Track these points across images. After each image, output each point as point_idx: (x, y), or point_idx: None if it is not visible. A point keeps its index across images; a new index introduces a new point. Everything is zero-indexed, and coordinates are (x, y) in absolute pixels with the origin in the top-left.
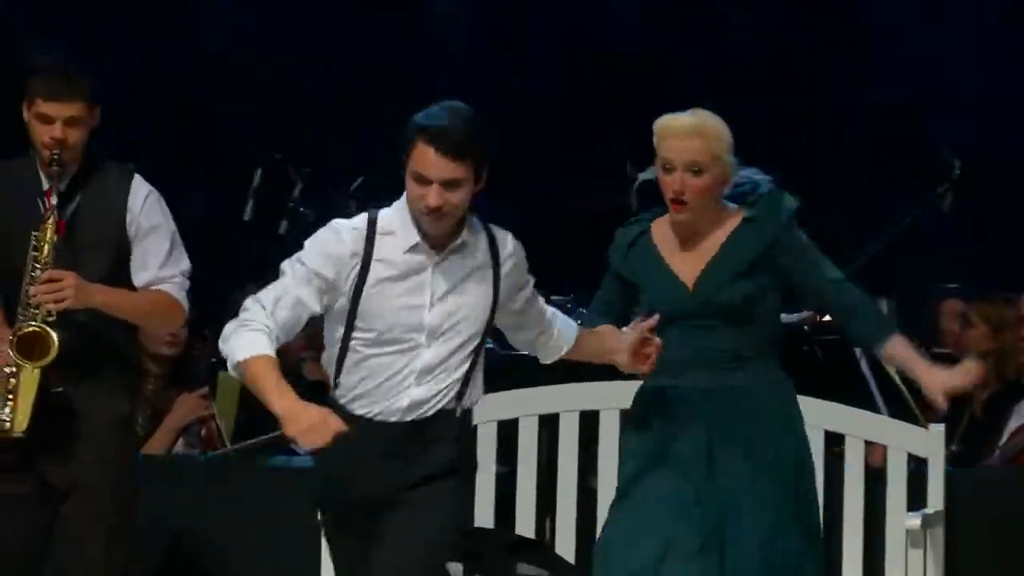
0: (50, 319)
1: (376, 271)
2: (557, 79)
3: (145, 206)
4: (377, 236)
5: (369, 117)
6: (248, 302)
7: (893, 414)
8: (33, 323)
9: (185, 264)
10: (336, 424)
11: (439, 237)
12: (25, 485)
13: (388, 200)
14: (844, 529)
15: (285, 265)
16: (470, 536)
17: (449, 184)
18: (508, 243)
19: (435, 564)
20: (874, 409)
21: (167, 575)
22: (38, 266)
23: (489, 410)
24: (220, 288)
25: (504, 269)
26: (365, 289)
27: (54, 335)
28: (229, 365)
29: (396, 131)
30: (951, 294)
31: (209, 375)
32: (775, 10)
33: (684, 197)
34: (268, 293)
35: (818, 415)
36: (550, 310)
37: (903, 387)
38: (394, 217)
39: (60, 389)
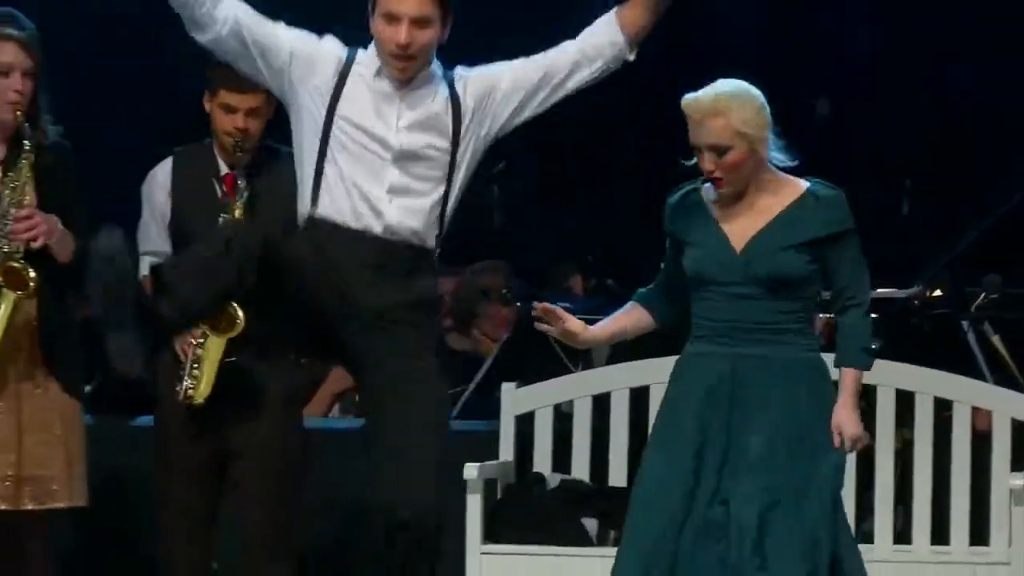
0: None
1: (352, 83)
2: None
3: None
4: (356, 59)
5: None
6: None
7: (998, 382)
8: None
9: None
10: None
11: (404, 82)
12: (204, 450)
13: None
14: (952, 490)
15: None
16: (605, 496)
17: (419, 21)
18: (462, 78)
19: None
20: (980, 377)
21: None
22: None
23: (623, 376)
24: None
25: (464, 108)
26: (342, 94)
27: (239, 310)
28: None
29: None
30: None
31: None
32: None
33: (717, 175)
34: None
35: (927, 383)
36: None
37: (1007, 357)
38: (367, 54)
39: (234, 359)
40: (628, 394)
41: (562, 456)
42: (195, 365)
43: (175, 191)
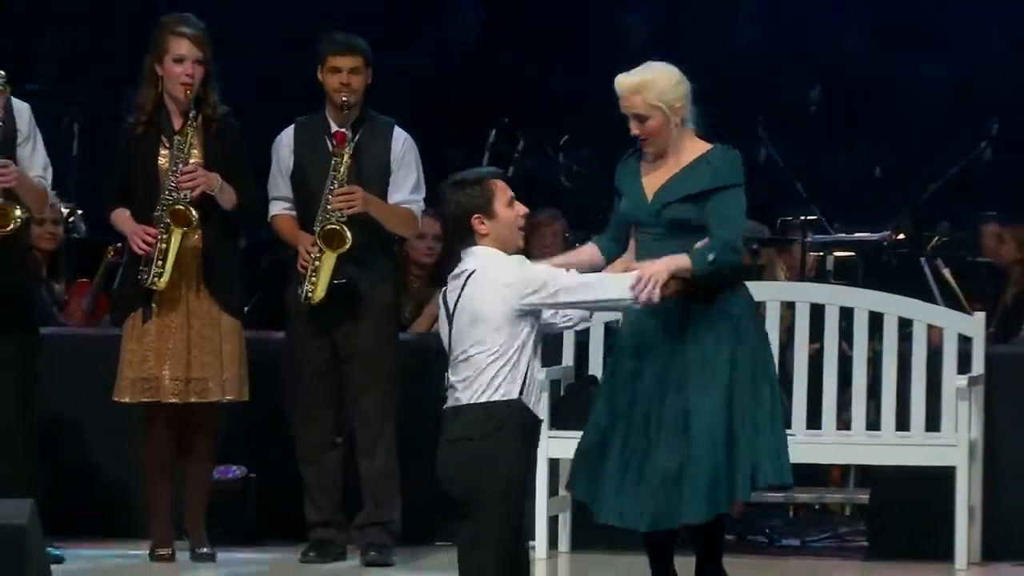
0: (343, 220)
1: None
2: None
3: (403, 148)
4: None
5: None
6: None
7: (948, 306)
8: (332, 222)
9: (422, 192)
10: None
11: None
12: (323, 348)
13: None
14: (912, 389)
15: None
16: None
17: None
18: None
19: None
20: (933, 302)
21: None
22: (335, 184)
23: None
24: None
25: None
26: None
27: (348, 231)
28: None
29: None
30: (990, 219)
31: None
32: None
33: (642, 138)
34: None
35: (893, 306)
36: None
37: (956, 287)
38: None
39: (344, 280)
40: None
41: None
42: (313, 274)
43: (296, 149)
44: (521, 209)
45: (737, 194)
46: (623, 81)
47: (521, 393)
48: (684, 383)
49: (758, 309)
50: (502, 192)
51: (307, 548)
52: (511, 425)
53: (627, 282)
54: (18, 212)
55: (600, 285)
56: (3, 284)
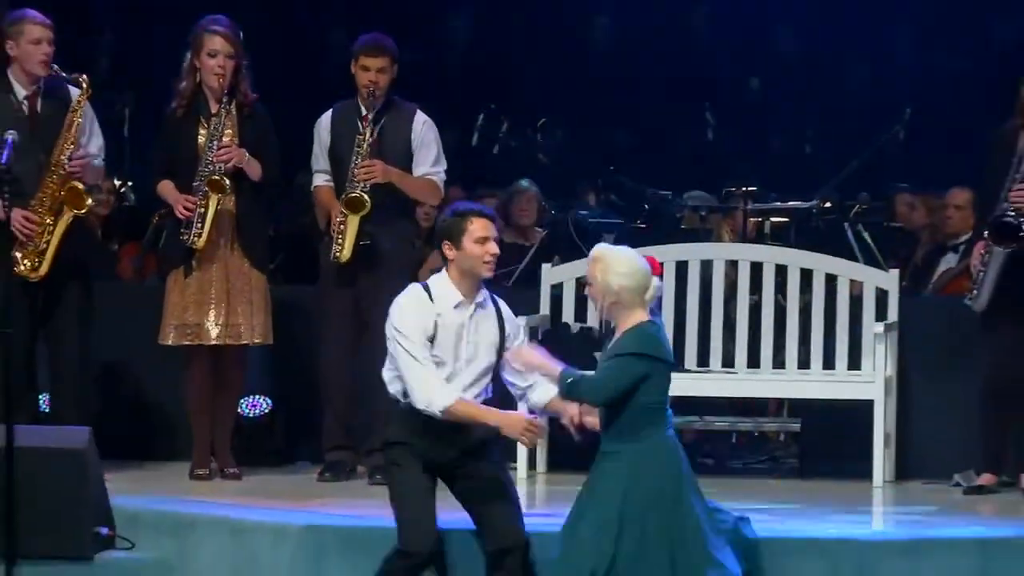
0: (366, 189)
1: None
2: None
3: (423, 129)
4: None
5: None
6: None
7: (867, 263)
8: (355, 191)
9: (443, 165)
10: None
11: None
12: (347, 298)
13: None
14: (837, 334)
15: None
16: (609, 336)
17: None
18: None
19: None
20: (854, 260)
21: None
22: (359, 158)
23: None
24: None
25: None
26: None
27: (368, 198)
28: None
29: (560, 86)
30: (902, 190)
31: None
32: None
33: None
34: None
35: (821, 264)
36: None
37: (874, 247)
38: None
39: (367, 241)
40: None
41: (581, 312)
42: (340, 236)
43: (333, 129)
44: (491, 249)
45: (627, 360)
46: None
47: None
48: None
49: (708, 269)
50: (477, 230)
51: (323, 469)
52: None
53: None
54: (90, 201)
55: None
56: (69, 249)
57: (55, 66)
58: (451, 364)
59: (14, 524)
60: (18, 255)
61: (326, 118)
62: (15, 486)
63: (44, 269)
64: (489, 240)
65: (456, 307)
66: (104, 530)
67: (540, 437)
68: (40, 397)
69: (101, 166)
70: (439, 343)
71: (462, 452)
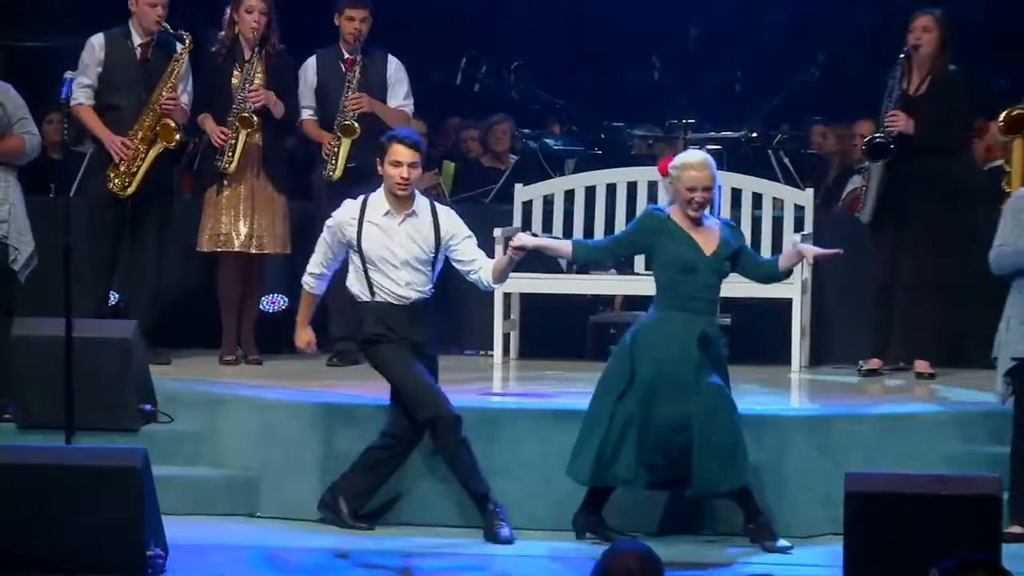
0: (355, 117)
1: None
2: None
3: (395, 68)
4: None
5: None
6: None
7: (787, 184)
8: (347, 119)
9: (411, 99)
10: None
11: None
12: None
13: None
14: (762, 243)
15: None
16: None
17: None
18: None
19: None
20: (777, 181)
21: None
22: (350, 91)
23: (582, 180)
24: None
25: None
26: None
27: (357, 125)
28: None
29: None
30: (817, 122)
31: (438, 163)
32: None
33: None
34: None
35: (748, 184)
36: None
37: (793, 171)
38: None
39: (354, 164)
40: (584, 191)
41: (548, 224)
42: (333, 159)
43: (319, 72)
44: (402, 172)
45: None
46: (709, 160)
47: (373, 296)
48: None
49: (654, 189)
50: (393, 153)
51: (331, 355)
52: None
53: None
54: (178, 136)
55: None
56: (158, 174)
57: (166, 24)
58: (384, 260)
59: (72, 401)
60: (111, 174)
61: (311, 62)
62: (73, 369)
63: (132, 189)
64: (402, 165)
65: (385, 215)
66: (148, 406)
67: (312, 348)
68: (111, 294)
69: (186, 108)
70: (366, 243)
71: (426, 331)
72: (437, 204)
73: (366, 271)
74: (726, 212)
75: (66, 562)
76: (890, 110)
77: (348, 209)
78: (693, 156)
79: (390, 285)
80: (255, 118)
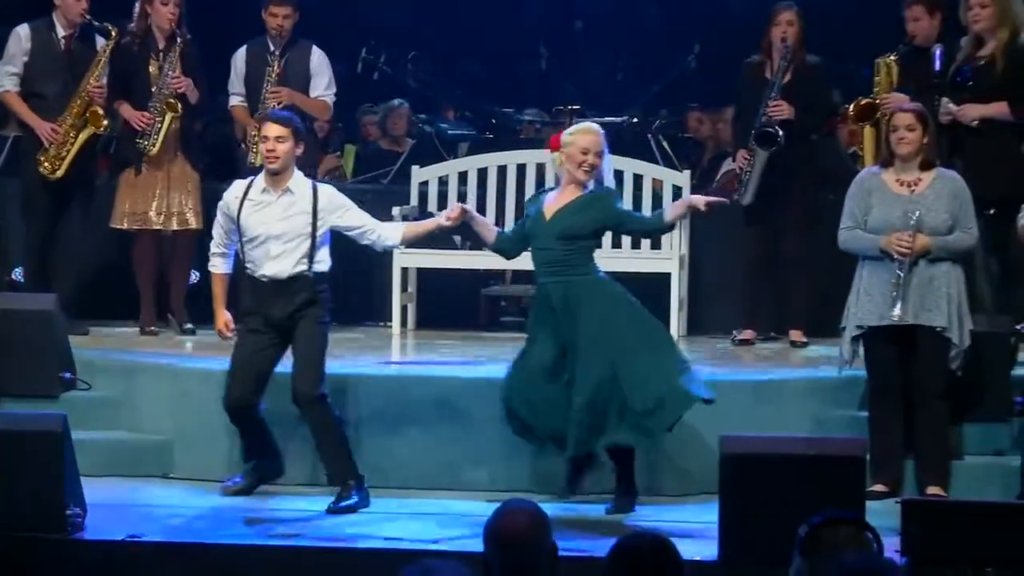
0: (275, 107)
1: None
2: None
3: (319, 60)
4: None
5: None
6: None
7: (666, 166)
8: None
9: (333, 88)
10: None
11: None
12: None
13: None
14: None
15: None
16: (466, 224)
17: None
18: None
19: None
20: (656, 163)
21: None
22: (269, 84)
23: (474, 163)
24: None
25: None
26: None
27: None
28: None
29: (428, 24)
30: (693, 109)
31: (340, 147)
32: None
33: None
34: None
35: (629, 166)
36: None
37: (671, 154)
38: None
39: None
40: (477, 172)
41: (442, 204)
42: (255, 146)
43: (248, 61)
44: (267, 146)
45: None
46: (599, 129)
47: (247, 269)
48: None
49: (542, 170)
50: (262, 130)
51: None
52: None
53: None
54: (106, 122)
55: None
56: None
57: (89, 16)
58: (258, 236)
59: None
60: (41, 158)
61: (241, 52)
62: None
63: (62, 172)
64: (268, 139)
65: (263, 192)
66: (68, 375)
67: (229, 338)
68: (16, 270)
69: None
70: (244, 218)
71: (292, 311)
72: (320, 185)
73: (243, 245)
74: (629, 192)
75: None
76: (772, 99)
77: (234, 188)
78: (585, 124)
79: (262, 259)
80: (178, 105)
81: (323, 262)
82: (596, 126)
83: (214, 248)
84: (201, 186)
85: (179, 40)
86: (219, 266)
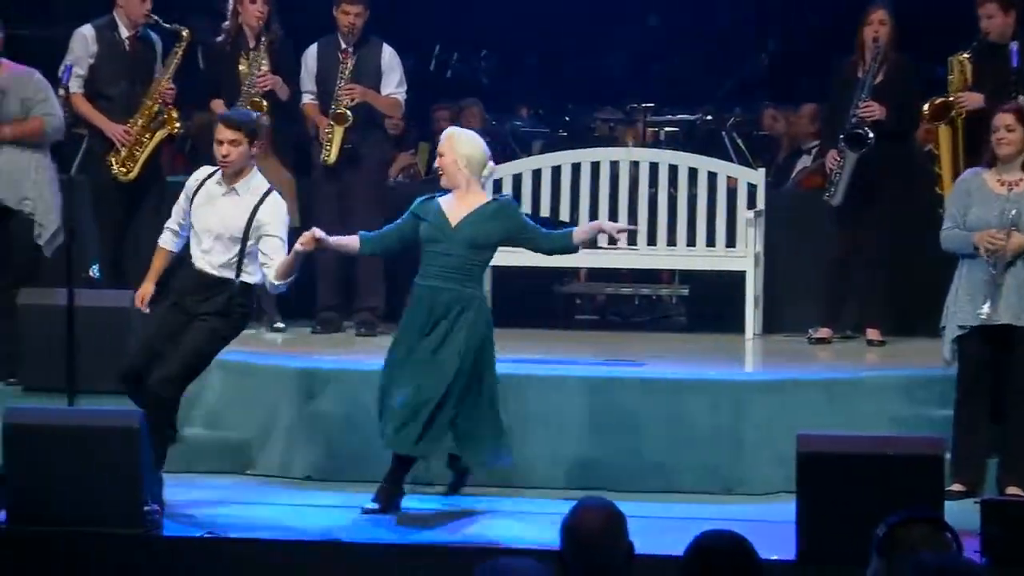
0: (348, 106)
1: None
2: None
3: (389, 59)
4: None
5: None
6: None
7: (740, 163)
8: (340, 108)
9: (404, 86)
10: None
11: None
12: (334, 193)
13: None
14: (717, 219)
15: None
16: None
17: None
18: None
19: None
20: (731, 161)
21: None
22: (342, 82)
23: None
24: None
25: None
26: None
27: (350, 113)
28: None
29: (501, 25)
30: (767, 106)
31: (415, 144)
32: None
33: None
34: None
35: (704, 164)
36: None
37: (745, 151)
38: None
39: (349, 146)
40: (550, 170)
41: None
42: (328, 143)
43: (319, 59)
44: (221, 150)
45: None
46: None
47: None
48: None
49: (616, 168)
50: (215, 132)
51: (315, 324)
52: None
53: None
54: (178, 124)
55: None
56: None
57: (155, 16)
58: (197, 223)
59: (74, 365)
60: (112, 160)
61: (312, 49)
62: (74, 336)
63: (135, 174)
64: (223, 143)
65: (216, 183)
66: None
67: (142, 310)
68: (93, 266)
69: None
70: (195, 206)
71: (200, 312)
72: (273, 194)
73: (191, 227)
74: (683, 187)
75: (71, 516)
76: (863, 101)
77: (199, 172)
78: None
79: (195, 247)
80: (264, 102)
81: (254, 274)
82: (452, 130)
83: (169, 223)
84: (295, 185)
85: (264, 38)
86: (166, 241)
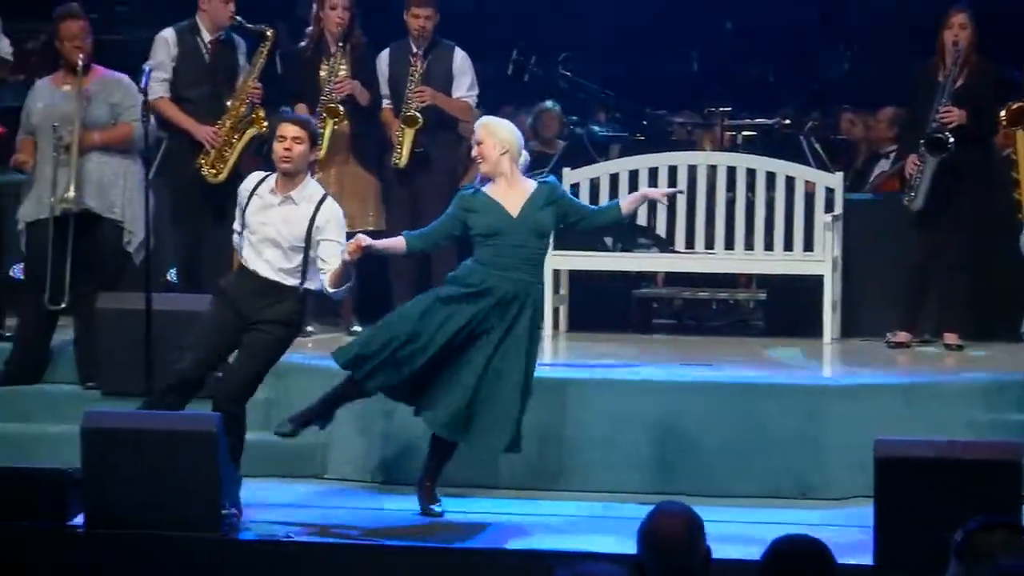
0: (418, 109)
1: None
2: None
3: (461, 61)
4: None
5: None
6: None
7: (818, 168)
8: (410, 111)
9: (475, 90)
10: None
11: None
12: (405, 195)
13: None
14: (795, 222)
15: None
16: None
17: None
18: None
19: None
20: (809, 165)
21: None
22: (413, 85)
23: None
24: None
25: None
26: None
27: (420, 116)
28: None
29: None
30: (846, 110)
31: None
32: None
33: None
34: None
35: (781, 168)
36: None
37: (823, 155)
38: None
39: (421, 149)
40: (628, 175)
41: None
42: (399, 146)
43: (391, 64)
44: (284, 145)
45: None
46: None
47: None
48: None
49: (694, 172)
50: (279, 130)
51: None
52: None
53: None
54: (265, 124)
55: None
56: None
57: (239, 18)
58: (254, 232)
59: (152, 369)
60: (202, 161)
61: (384, 54)
62: (152, 339)
63: (225, 175)
64: (285, 139)
65: (270, 192)
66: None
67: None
68: (171, 271)
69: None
70: (249, 214)
71: (258, 319)
72: (329, 199)
73: (243, 234)
74: (760, 192)
75: (148, 519)
76: (943, 105)
77: (251, 178)
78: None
79: (251, 254)
80: (341, 108)
81: (315, 280)
82: (487, 119)
83: (236, 225)
84: (378, 188)
85: (340, 43)
86: (238, 242)
